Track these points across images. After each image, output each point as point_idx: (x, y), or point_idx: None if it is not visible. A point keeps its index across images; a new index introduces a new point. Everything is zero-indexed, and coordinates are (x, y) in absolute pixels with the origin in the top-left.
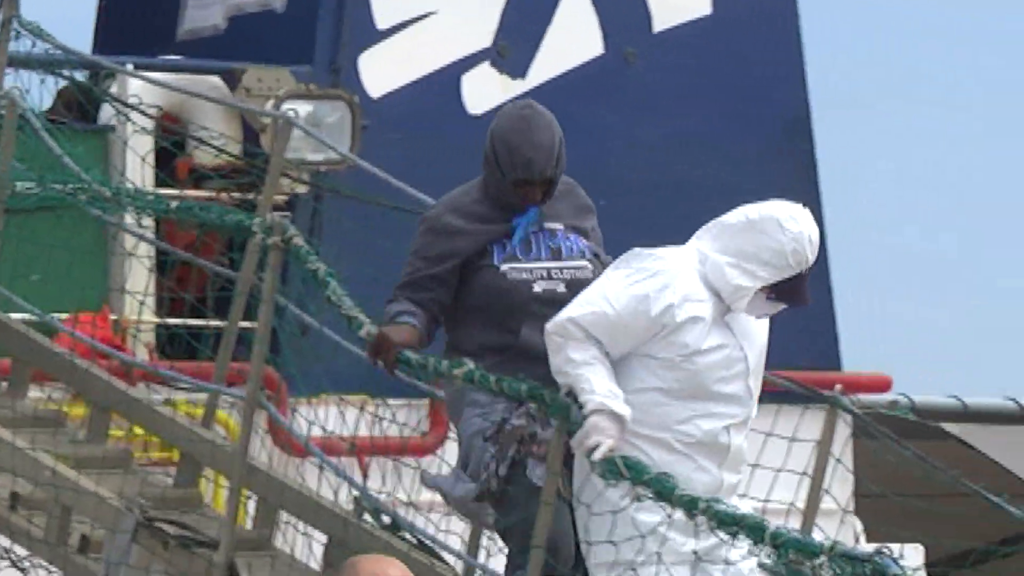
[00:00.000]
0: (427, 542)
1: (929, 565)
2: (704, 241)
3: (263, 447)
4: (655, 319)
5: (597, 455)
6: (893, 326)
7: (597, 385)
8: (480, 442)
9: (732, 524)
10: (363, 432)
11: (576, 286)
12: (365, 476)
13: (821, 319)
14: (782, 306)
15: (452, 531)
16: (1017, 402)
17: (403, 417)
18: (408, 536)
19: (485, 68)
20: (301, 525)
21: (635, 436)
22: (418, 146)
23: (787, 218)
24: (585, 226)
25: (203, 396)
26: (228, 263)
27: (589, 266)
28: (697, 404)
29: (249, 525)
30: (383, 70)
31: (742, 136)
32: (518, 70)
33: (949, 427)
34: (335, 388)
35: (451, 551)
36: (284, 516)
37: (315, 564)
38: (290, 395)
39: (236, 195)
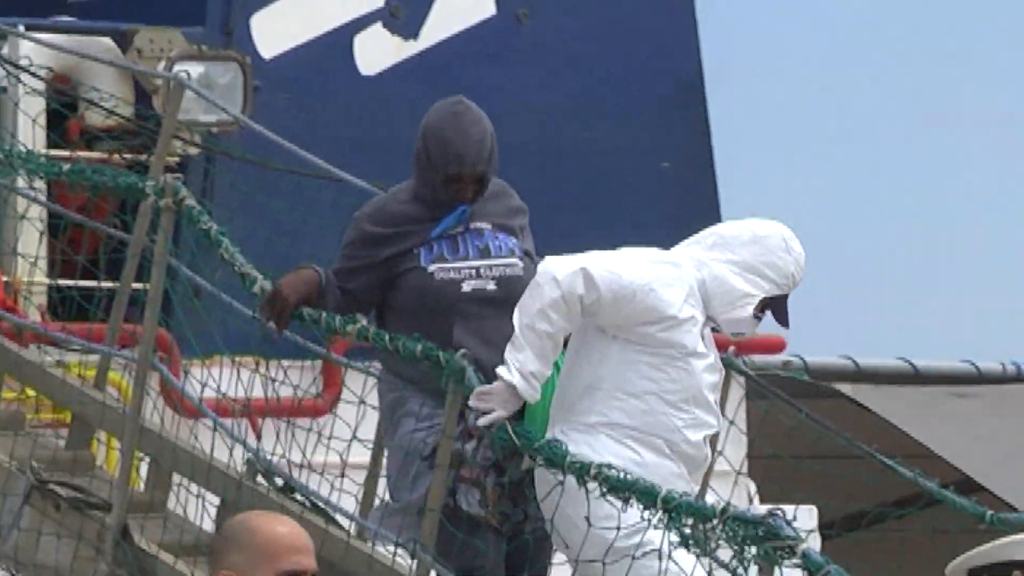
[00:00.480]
0: (320, 504)
1: (822, 527)
2: (698, 249)
3: (155, 409)
4: (662, 304)
5: (484, 420)
6: None
7: (528, 363)
8: (419, 461)
9: (623, 490)
10: (257, 393)
11: (507, 284)
12: (259, 438)
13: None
14: (758, 325)
15: (347, 491)
16: (910, 362)
17: (296, 378)
18: (301, 498)
19: (377, 29)
20: (194, 487)
21: (628, 435)
22: (310, 107)
23: (791, 237)
24: (513, 225)
25: (95, 358)
26: (120, 225)
27: (520, 263)
28: (690, 410)
29: (142, 487)
30: (275, 31)
31: (634, 98)
32: (411, 31)
33: (842, 388)
34: (228, 349)
35: (344, 513)
36: (177, 478)
37: (208, 526)
38: (183, 356)
39: (128, 157)
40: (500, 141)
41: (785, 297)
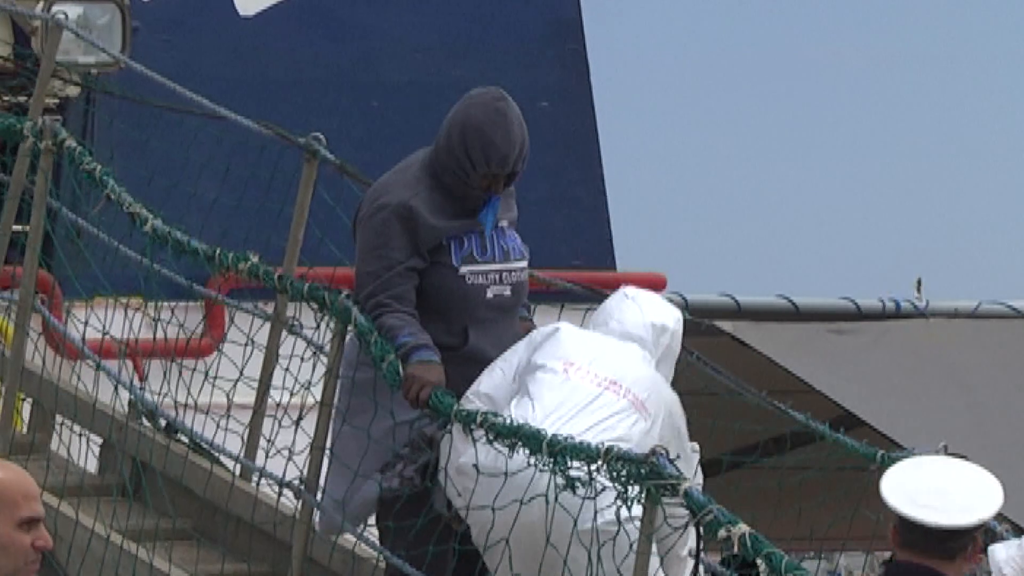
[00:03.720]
0: (204, 445)
1: (705, 464)
2: None
3: (37, 350)
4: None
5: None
6: (666, 225)
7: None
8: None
9: (509, 435)
10: (141, 334)
11: (518, 290)
12: (143, 378)
13: (594, 219)
14: None
15: (232, 430)
16: (790, 300)
17: (180, 319)
18: (185, 439)
19: None
20: (77, 428)
21: None
22: (189, 48)
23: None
24: (515, 216)
25: None
26: None
27: (526, 266)
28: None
29: (24, 429)
30: None
31: (512, 37)
32: None
33: (723, 325)
34: (111, 290)
35: (228, 454)
36: (59, 419)
37: (92, 467)
38: (65, 298)
39: (7, 98)
40: (376, 80)
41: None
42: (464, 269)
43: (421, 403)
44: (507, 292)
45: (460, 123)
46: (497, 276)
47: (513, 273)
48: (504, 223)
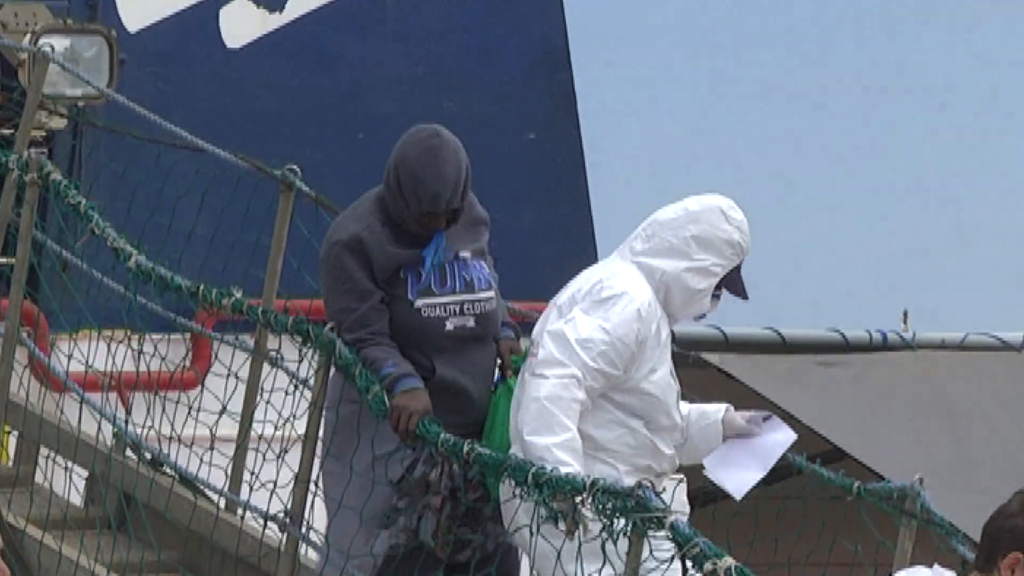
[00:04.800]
0: (189, 477)
1: (693, 496)
2: (639, 247)
3: (22, 383)
4: (641, 338)
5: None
6: None
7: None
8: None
9: (496, 467)
10: (126, 367)
11: (484, 320)
12: (128, 411)
13: (581, 250)
14: (716, 305)
15: (217, 464)
16: (777, 332)
17: (165, 351)
18: (170, 471)
19: (242, 1)
20: (62, 461)
21: (602, 455)
22: (176, 80)
23: (728, 207)
24: (482, 245)
25: None
26: None
27: (493, 296)
28: (654, 427)
29: (9, 462)
30: (140, 4)
31: (499, 68)
32: (275, 3)
33: (710, 357)
34: (96, 323)
35: (212, 488)
36: (45, 452)
37: (77, 499)
38: (51, 331)
39: None
40: (365, 113)
41: (737, 268)
42: (420, 302)
43: (409, 433)
44: (470, 323)
45: (395, 162)
46: (457, 308)
47: (476, 304)
48: (466, 253)
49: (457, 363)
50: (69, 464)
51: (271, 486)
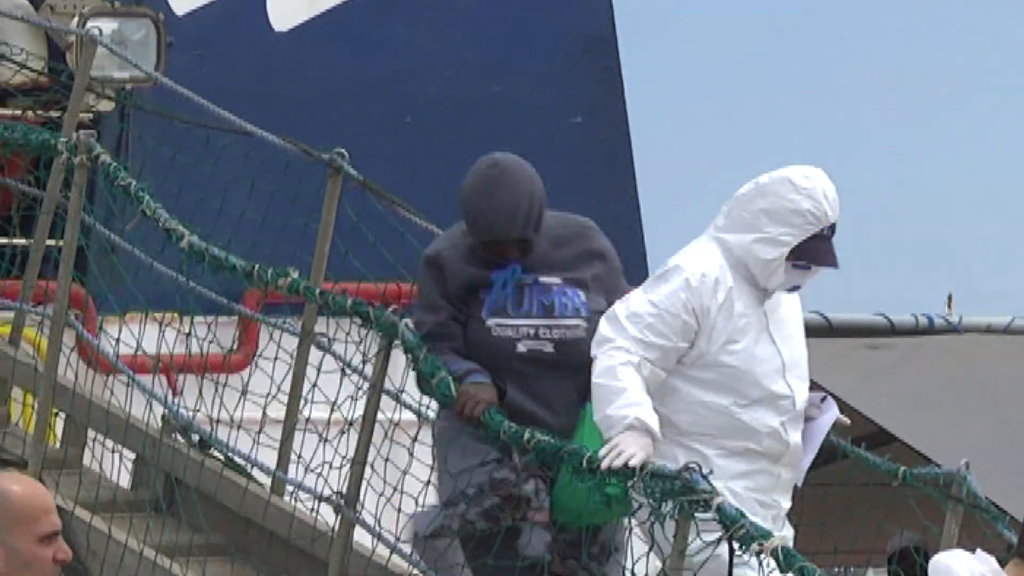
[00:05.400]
0: (237, 459)
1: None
2: (720, 223)
3: (70, 365)
4: (696, 308)
5: (635, 461)
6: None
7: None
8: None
9: (554, 454)
10: (174, 350)
11: (566, 347)
12: (176, 394)
13: (628, 236)
14: (810, 275)
15: (264, 444)
16: (824, 316)
17: (214, 334)
18: (218, 454)
19: None
20: (110, 443)
21: (686, 440)
22: (223, 63)
23: (799, 176)
24: (584, 277)
25: (10, 315)
26: (34, 182)
27: (583, 324)
28: (743, 402)
29: (57, 444)
30: None
31: (545, 52)
32: None
33: None
34: (145, 305)
35: (261, 468)
36: (92, 434)
37: (124, 482)
38: (99, 313)
39: (41, 113)
40: (410, 97)
41: (821, 237)
42: (491, 321)
43: (474, 419)
44: (547, 348)
45: (461, 192)
46: (532, 331)
47: (555, 329)
48: (552, 279)
49: (529, 388)
50: (117, 447)
51: (322, 469)
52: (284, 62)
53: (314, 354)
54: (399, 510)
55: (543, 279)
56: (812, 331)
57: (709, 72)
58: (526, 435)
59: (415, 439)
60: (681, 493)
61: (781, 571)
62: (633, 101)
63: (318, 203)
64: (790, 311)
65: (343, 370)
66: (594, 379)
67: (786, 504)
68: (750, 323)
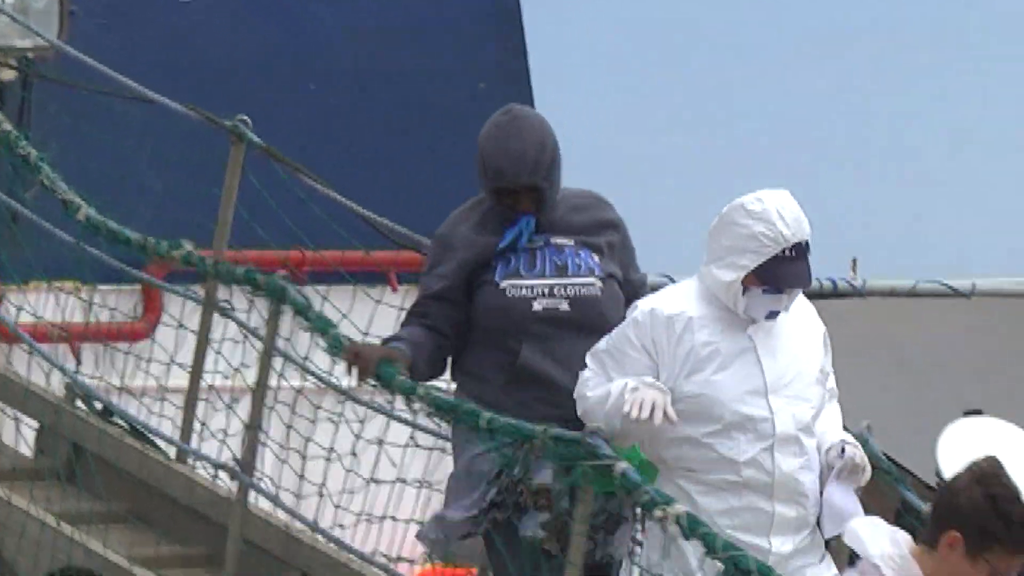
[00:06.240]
0: (140, 428)
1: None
2: (703, 259)
3: None
4: (645, 342)
5: (660, 401)
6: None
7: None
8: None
9: (448, 411)
10: (76, 318)
11: (581, 304)
12: (78, 362)
13: None
14: (785, 298)
15: (164, 415)
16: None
17: (115, 302)
18: (120, 422)
19: None
20: (11, 412)
21: (674, 477)
22: (126, 32)
23: (751, 200)
24: (599, 242)
25: None
26: None
27: (597, 283)
28: (714, 429)
29: None
30: None
31: (451, 19)
32: None
33: None
34: (46, 274)
35: (163, 436)
36: None
37: (27, 450)
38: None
39: None
40: (320, 67)
41: (784, 259)
42: (505, 283)
43: (365, 373)
44: (563, 306)
45: (478, 141)
46: (546, 289)
47: (570, 287)
48: (563, 240)
49: (548, 351)
50: (18, 415)
51: (221, 435)
52: (188, 31)
53: (219, 322)
54: (301, 476)
55: (556, 240)
56: None
57: (614, 35)
58: (420, 390)
59: (318, 407)
60: (583, 458)
61: (685, 538)
62: (537, 66)
63: (222, 171)
64: (796, 328)
65: (244, 336)
66: (580, 414)
67: (786, 549)
68: (717, 350)
